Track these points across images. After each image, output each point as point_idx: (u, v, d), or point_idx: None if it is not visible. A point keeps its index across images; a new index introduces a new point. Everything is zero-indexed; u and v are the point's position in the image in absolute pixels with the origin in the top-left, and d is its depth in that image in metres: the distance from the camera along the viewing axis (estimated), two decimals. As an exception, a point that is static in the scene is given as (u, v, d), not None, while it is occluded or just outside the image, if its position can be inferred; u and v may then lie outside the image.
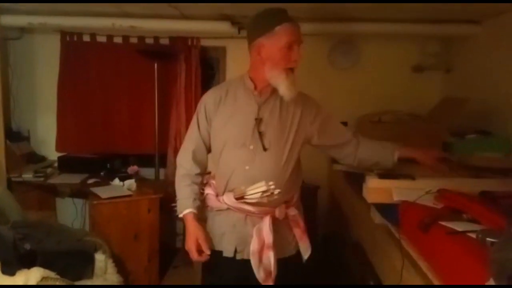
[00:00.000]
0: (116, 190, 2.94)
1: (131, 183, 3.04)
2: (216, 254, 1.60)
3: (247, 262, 1.55)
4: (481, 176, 1.88)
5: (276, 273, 1.55)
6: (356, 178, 2.38)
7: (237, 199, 1.54)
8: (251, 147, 1.53)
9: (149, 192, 3.00)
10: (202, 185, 1.67)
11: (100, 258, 2.43)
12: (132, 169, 3.24)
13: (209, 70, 3.61)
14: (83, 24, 3.11)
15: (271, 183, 1.48)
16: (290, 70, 1.50)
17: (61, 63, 3.43)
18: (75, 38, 3.41)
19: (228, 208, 1.59)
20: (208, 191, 1.67)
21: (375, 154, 1.76)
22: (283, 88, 1.50)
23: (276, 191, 1.48)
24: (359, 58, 3.50)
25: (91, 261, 2.39)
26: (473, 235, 1.27)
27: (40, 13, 3.02)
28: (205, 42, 3.45)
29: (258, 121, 1.53)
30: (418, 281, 1.50)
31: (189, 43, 3.41)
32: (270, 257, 1.52)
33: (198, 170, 1.63)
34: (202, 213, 1.64)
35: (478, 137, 2.56)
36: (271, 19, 1.50)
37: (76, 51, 3.42)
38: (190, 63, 3.41)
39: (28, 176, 3.12)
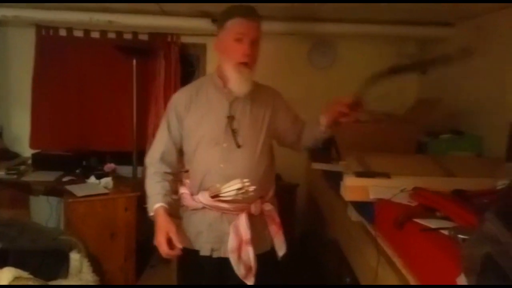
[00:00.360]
0: (92, 188, 2.89)
1: (107, 181, 2.99)
2: (192, 254, 1.59)
3: (224, 260, 1.55)
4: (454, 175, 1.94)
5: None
6: (333, 177, 2.42)
7: (212, 197, 1.53)
8: (225, 145, 1.53)
9: (126, 190, 2.96)
10: (174, 183, 1.64)
11: (75, 257, 2.39)
12: (108, 166, 3.18)
13: (189, 67, 3.58)
14: (60, 18, 3.04)
15: (245, 180, 1.48)
16: (242, 65, 1.48)
17: (36, 57, 3.34)
18: (51, 32, 3.32)
19: (203, 207, 1.58)
20: (183, 190, 1.66)
21: (311, 127, 1.67)
22: (232, 82, 1.50)
23: (251, 188, 1.47)
24: (337, 58, 3.54)
25: (65, 260, 2.35)
26: (446, 232, 1.32)
27: (14, 6, 2.93)
28: (185, 39, 3.42)
29: (231, 118, 1.54)
30: (393, 277, 1.54)
31: (169, 39, 3.38)
32: (249, 252, 1.52)
33: (168, 170, 1.61)
34: (175, 211, 1.62)
35: (451, 137, 2.64)
36: (225, 14, 1.52)
37: (52, 45, 3.34)
38: (170, 59, 3.38)
39: (0, 173, 3.03)
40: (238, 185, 1.47)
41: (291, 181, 3.34)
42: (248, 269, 1.54)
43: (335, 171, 2.48)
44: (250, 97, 1.57)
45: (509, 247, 0.97)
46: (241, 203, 1.54)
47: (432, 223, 1.41)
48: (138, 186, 3.11)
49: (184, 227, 1.63)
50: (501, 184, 1.56)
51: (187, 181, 1.66)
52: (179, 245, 1.43)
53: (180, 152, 1.66)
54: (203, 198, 1.56)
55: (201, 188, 1.58)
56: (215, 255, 1.57)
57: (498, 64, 2.53)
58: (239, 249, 1.53)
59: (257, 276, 1.57)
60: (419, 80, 3.57)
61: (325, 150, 3.03)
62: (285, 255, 1.69)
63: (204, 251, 1.58)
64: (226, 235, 1.54)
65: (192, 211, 1.62)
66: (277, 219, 1.68)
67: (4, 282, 1.90)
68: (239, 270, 1.53)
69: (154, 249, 3.54)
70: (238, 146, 1.53)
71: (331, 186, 2.51)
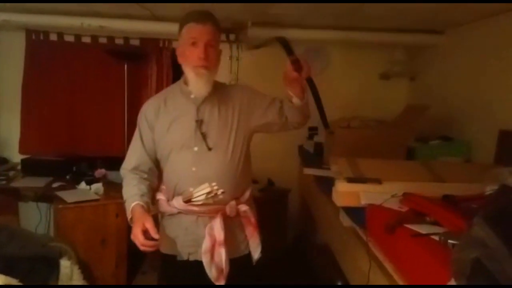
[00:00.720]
0: (82, 194, 2.86)
1: (98, 187, 2.96)
2: (169, 259, 1.61)
3: (200, 263, 1.55)
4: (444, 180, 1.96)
5: (228, 272, 1.54)
6: (325, 182, 2.44)
7: (185, 202, 1.53)
8: (196, 148, 1.54)
9: (117, 196, 2.91)
10: (151, 187, 1.62)
11: (65, 264, 2.36)
12: (99, 172, 3.16)
13: (180, 73, 3.57)
14: (50, 23, 3.02)
15: (214, 183, 1.48)
16: (200, 68, 1.49)
17: (26, 62, 3.31)
18: (41, 37, 3.30)
19: (179, 212, 1.59)
20: (160, 196, 1.67)
21: (287, 103, 1.62)
22: (192, 85, 1.53)
23: (220, 191, 1.47)
24: (329, 64, 3.58)
25: (55, 267, 2.32)
26: (436, 237, 1.33)
27: (4, 10, 2.90)
28: (176, 44, 3.41)
29: (199, 122, 1.55)
30: (384, 282, 1.56)
31: (161, 44, 3.38)
32: (221, 254, 1.52)
33: (144, 176, 1.60)
34: (153, 212, 1.58)
35: (440, 143, 2.68)
36: (182, 21, 1.54)
37: (42, 50, 3.31)
38: (161, 65, 3.38)
39: (-11, 179, 2.99)
40: (207, 189, 1.47)
41: (283, 186, 3.35)
42: (220, 271, 1.54)
43: (327, 176, 2.50)
44: (217, 99, 1.58)
45: (497, 251, 0.99)
46: (215, 205, 1.54)
47: (422, 229, 1.43)
48: (129, 191, 3.11)
49: (161, 233, 1.61)
50: (490, 189, 1.59)
51: (163, 187, 1.67)
52: (156, 236, 1.38)
53: (156, 162, 1.65)
54: (177, 203, 1.57)
55: (175, 193, 1.59)
56: (191, 258, 1.58)
57: (486, 71, 2.58)
58: (212, 250, 1.53)
59: (233, 280, 1.57)
60: (409, 86, 3.62)
61: (317, 155, 3.06)
62: (277, 259, 1.69)
63: (181, 256, 1.60)
64: (201, 238, 1.54)
65: (169, 217, 1.64)
66: (253, 220, 1.67)
67: (-8, 289, 1.88)
68: (211, 272, 1.53)
69: (145, 256, 3.54)
70: (209, 149, 1.54)
71: (323, 191, 2.52)
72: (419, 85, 3.50)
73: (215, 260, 1.53)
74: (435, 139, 2.72)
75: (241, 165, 1.60)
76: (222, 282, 1.54)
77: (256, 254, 1.66)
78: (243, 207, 1.64)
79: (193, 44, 1.48)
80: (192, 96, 1.56)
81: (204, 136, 1.54)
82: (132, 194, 1.52)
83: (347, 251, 2.05)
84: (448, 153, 2.57)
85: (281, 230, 3.16)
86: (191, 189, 1.52)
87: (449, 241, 1.26)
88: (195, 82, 1.51)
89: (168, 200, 1.62)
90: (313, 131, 3.35)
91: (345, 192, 1.87)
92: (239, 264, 1.60)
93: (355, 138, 2.76)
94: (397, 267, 1.49)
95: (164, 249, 1.63)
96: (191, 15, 1.53)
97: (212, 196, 1.47)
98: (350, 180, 1.89)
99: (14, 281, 1.95)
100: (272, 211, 2.96)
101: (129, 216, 1.50)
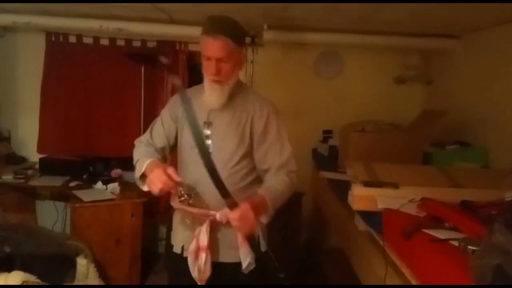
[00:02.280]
0: (98, 194, 2.91)
1: (114, 186, 3.01)
2: (170, 249, 1.69)
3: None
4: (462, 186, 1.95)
5: (210, 275, 1.56)
6: (340, 186, 2.43)
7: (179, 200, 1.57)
8: (197, 149, 1.53)
9: (132, 196, 2.97)
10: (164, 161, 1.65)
11: (81, 262, 2.40)
12: (115, 172, 3.20)
13: (196, 75, 3.60)
14: (70, 25, 3.08)
15: (180, 188, 1.51)
16: (214, 82, 1.50)
17: (45, 63, 3.37)
18: (61, 39, 3.36)
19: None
20: (173, 191, 1.69)
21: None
22: (206, 97, 1.56)
23: (185, 196, 1.51)
24: (344, 68, 3.57)
25: (72, 265, 2.36)
26: (455, 243, 1.32)
27: (25, 12, 2.97)
28: (193, 47, 3.46)
29: (206, 124, 1.58)
30: (401, 288, 1.54)
31: (177, 47, 3.41)
32: (202, 258, 1.54)
33: (158, 150, 1.65)
34: None
35: (457, 148, 2.65)
36: (203, 27, 1.50)
37: (61, 51, 3.37)
38: (177, 67, 3.41)
39: (7, 177, 3.05)
40: (179, 193, 1.51)
41: (297, 190, 3.34)
42: (201, 273, 1.56)
43: (341, 180, 2.49)
44: (235, 105, 1.59)
45: (520, 259, 0.98)
46: (206, 210, 1.55)
47: (441, 234, 1.42)
48: (144, 192, 3.12)
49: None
50: (509, 195, 1.57)
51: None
52: (178, 179, 1.40)
53: (168, 149, 1.69)
54: (174, 201, 1.62)
55: None
56: (185, 254, 1.62)
57: (503, 76, 2.55)
58: (196, 252, 1.56)
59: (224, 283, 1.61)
60: (424, 91, 3.60)
61: (332, 159, 3.05)
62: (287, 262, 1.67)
63: (176, 248, 1.66)
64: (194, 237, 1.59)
65: (176, 210, 1.70)
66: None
67: (13, 286, 1.91)
68: (194, 272, 1.56)
69: (159, 256, 3.57)
70: (209, 152, 1.54)
71: (337, 195, 2.52)
72: (435, 90, 3.47)
73: (198, 263, 1.56)
74: (451, 145, 2.69)
75: (240, 175, 1.59)
76: (203, 284, 1.57)
77: (245, 263, 1.59)
78: None
79: (207, 58, 1.48)
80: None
81: (206, 138, 1.55)
82: (148, 154, 1.57)
83: (363, 255, 2.04)
84: (465, 159, 2.54)
85: (295, 233, 3.16)
86: (179, 189, 1.53)
87: (469, 247, 1.24)
88: (209, 94, 1.54)
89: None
90: (327, 134, 3.35)
91: (361, 196, 1.86)
92: (231, 269, 1.61)
93: (370, 142, 2.75)
94: (414, 273, 1.48)
95: (177, 249, 1.68)
96: (205, 25, 1.49)
97: (181, 201, 1.51)
98: (367, 184, 1.89)
99: (33, 278, 1.99)
100: (285, 214, 2.96)
101: (141, 171, 1.51)
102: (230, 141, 1.58)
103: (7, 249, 2.17)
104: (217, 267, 1.58)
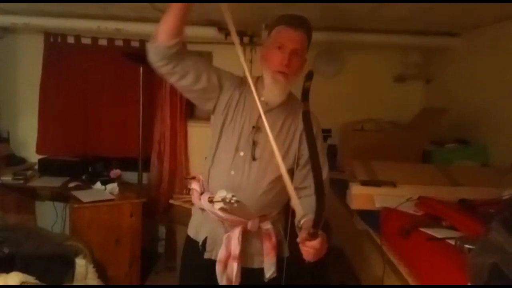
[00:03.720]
0: (98, 194, 2.91)
1: (113, 187, 3.01)
2: (192, 243, 1.62)
3: (214, 262, 1.54)
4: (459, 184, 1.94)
5: (240, 282, 1.53)
6: (339, 185, 2.42)
7: (209, 201, 1.51)
8: (242, 153, 1.49)
9: (131, 196, 2.97)
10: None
11: (80, 263, 2.40)
12: (114, 172, 3.20)
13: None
14: (68, 26, 3.08)
15: (232, 194, 1.44)
16: (279, 74, 1.43)
17: (44, 64, 3.38)
18: (59, 39, 3.37)
19: (205, 210, 1.57)
20: (194, 186, 1.64)
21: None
22: (266, 90, 1.47)
23: (234, 200, 1.43)
24: (343, 66, 3.56)
25: (71, 265, 2.36)
26: (452, 242, 1.32)
27: (24, 13, 2.97)
28: (191, 47, 3.45)
29: (256, 129, 1.49)
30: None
31: (175, 47, 3.41)
32: (233, 268, 1.51)
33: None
34: None
35: (456, 146, 2.64)
36: (274, 22, 1.49)
37: (60, 52, 3.38)
38: (176, 67, 3.41)
39: (7, 178, 3.06)
40: (223, 195, 1.44)
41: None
42: (230, 282, 1.53)
43: (340, 179, 2.48)
44: (286, 112, 1.51)
45: (516, 257, 0.97)
46: (238, 217, 1.51)
47: (438, 233, 1.42)
48: (143, 192, 3.14)
49: (190, 220, 1.68)
50: (507, 193, 1.57)
51: (200, 176, 1.65)
52: None
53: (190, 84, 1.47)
54: (204, 200, 1.54)
55: (208, 188, 1.58)
56: (206, 256, 1.57)
57: (503, 74, 2.53)
58: (226, 261, 1.52)
59: None
60: (424, 89, 3.58)
61: (331, 158, 3.04)
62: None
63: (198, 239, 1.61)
64: (220, 240, 1.54)
65: (198, 209, 1.63)
66: (273, 239, 1.58)
67: (11, 287, 1.92)
68: (222, 281, 1.53)
69: (158, 256, 3.56)
70: (254, 159, 1.48)
71: (336, 194, 2.51)
72: (435, 88, 3.45)
73: (227, 271, 1.52)
74: (451, 143, 2.68)
75: (279, 187, 1.50)
76: None
77: (268, 273, 1.57)
78: (267, 225, 1.57)
79: (279, 48, 1.43)
80: (263, 98, 1.46)
81: (254, 144, 1.48)
82: None
83: (361, 254, 2.04)
84: (464, 157, 2.53)
85: (293, 232, 3.15)
86: (219, 191, 1.48)
87: (466, 245, 1.24)
88: (271, 88, 1.45)
89: (200, 193, 1.60)
90: (326, 133, 3.34)
91: (359, 195, 1.86)
92: (251, 275, 1.58)
93: (369, 140, 2.75)
94: (411, 271, 1.48)
95: (190, 232, 1.65)
96: (284, 17, 1.47)
97: (228, 203, 1.44)
98: (365, 183, 1.88)
99: (32, 279, 1.99)
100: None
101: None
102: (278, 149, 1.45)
103: (6, 250, 2.17)
104: (244, 272, 1.55)
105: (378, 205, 1.78)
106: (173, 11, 1.30)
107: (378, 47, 3.44)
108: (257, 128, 1.48)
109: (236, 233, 1.51)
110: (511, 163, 2.29)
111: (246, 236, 1.54)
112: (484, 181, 1.96)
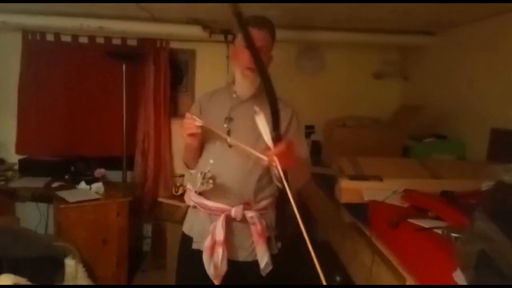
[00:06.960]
0: (83, 194, 2.88)
1: (98, 186, 2.99)
2: (187, 239, 1.70)
3: (202, 254, 1.61)
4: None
5: (226, 272, 1.57)
6: (325, 180, 2.51)
7: (198, 193, 1.61)
8: (218, 142, 1.62)
9: (117, 195, 2.96)
10: None
11: (70, 263, 2.39)
12: (99, 172, 3.17)
13: (178, 72, 3.61)
14: (50, 24, 3.02)
15: (207, 169, 1.55)
16: (248, 70, 1.56)
17: (22, 63, 3.29)
18: (38, 37, 3.29)
19: (195, 206, 1.67)
20: (189, 186, 1.74)
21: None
22: (237, 85, 1.62)
23: (209, 175, 1.53)
24: (324, 64, 3.65)
25: (61, 266, 2.34)
26: (439, 231, 1.41)
27: (1, 11, 2.89)
28: (174, 45, 3.45)
29: (228, 119, 1.62)
30: (388, 275, 1.63)
31: (158, 45, 3.40)
32: (219, 254, 1.56)
33: None
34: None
35: (434, 141, 2.77)
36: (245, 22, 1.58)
37: (39, 50, 3.30)
38: (159, 65, 3.40)
39: (-14, 180, 2.99)
40: (200, 174, 1.54)
41: (281, 184, 3.40)
42: (216, 270, 1.57)
43: (326, 174, 2.56)
44: (259, 104, 1.56)
45: (502, 245, 1.07)
46: (222, 204, 1.59)
47: (425, 223, 1.51)
48: (129, 191, 3.13)
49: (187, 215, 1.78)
50: (486, 185, 1.67)
51: None
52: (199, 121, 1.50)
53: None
54: (193, 194, 1.65)
55: None
56: (194, 246, 1.65)
57: (477, 71, 2.67)
58: (212, 249, 1.57)
59: (239, 283, 1.63)
60: (402, 86, 3.72)
61: (315, 154, 3.12)
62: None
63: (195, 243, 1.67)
64: (208, 232, 1.60)
65: (191, 208, 1.73)
66: (259, 228, 1.62)
67: (3, 289, 1.90)
68: (209, 269, 1.57)
69: (145, 254, 3.55)
70: (229, 146, 1.59)
71: (322, 189, 2.59)
72: (412, 85, 3.59)
73: (213, 259, 1.57)
74: (428, 138, 2.80)
75: (259, 173, 1.60)
76: (218, 280, 1.57)
77: (262, 262, 1.61)
78: (250, 213, 1.61)
79: (246, 47, 1.50)
80: (234, 95, 1.64)
81: (228, 133, 1.59)
82: None
83: (349, 246, 2.12)
84: (442, 151, 2.65)
85: (281, 227, 3.22)
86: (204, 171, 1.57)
87: (452, 234, 1.33)
88: (241, 83, 1.60)
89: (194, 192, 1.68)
90: (309, 129, 3.42)
91: (348, 189, 1.94)
92: (246, 268, 1.63)
93: (351, 136, 2.84)
94: (401, 260, 1.56)
95: (185, 228, 1.74)
96: (250, 20, 1.56)
97: (206, 178, 1.53)
98: (353, 177, 1.96)
99: (23, 281, 1.97)
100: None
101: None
102: (249, 136, 1.56)
103: (-6, 253, 2.14)
104: (232, 265, 1.59)
105: (366, 198, 1.86)
106: (187, 149, 1.68)
107: (358, 46, 3.54)
108: (230, 118, 1.63)
109: (220, 220, 1.58)
110: (486, 156, 2.43)
111: (232, 227, 1.61)
112: (463, 173, 2.07)
